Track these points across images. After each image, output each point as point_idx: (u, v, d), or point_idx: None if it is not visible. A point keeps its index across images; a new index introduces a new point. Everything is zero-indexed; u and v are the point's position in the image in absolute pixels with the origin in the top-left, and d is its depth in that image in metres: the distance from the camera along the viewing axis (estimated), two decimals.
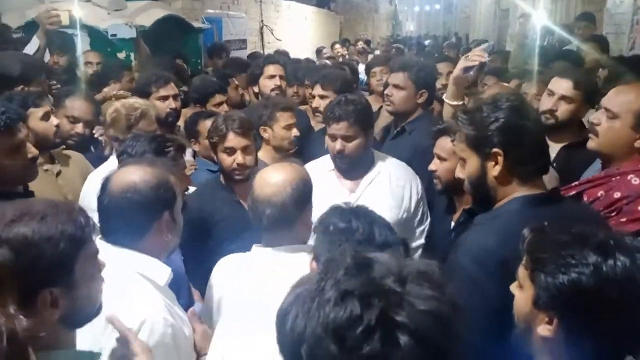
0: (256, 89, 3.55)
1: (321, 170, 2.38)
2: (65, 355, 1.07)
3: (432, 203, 2.40)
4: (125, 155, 1.95)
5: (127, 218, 1.41)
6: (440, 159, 2.11)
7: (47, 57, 3.55)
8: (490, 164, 1.48)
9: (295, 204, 1.58)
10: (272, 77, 3.42)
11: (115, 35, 4.03)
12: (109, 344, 1.27)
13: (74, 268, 1.06)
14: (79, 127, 2.66)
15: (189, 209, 2.30)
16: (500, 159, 1.46)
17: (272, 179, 1.62)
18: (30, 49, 3.25)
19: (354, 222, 1.31)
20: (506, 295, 1.18)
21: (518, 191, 1.48)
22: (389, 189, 2.28)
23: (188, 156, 2.99)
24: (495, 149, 1.46)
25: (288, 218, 1.59)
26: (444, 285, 0.77)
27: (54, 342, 1.05)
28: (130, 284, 1.39)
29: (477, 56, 2.35)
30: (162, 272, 1.47)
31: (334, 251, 1.26)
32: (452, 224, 2.13)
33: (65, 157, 2.47)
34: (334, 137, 2.28)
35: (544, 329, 1.07)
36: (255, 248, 1.67)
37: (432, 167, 2.13)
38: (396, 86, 2.78)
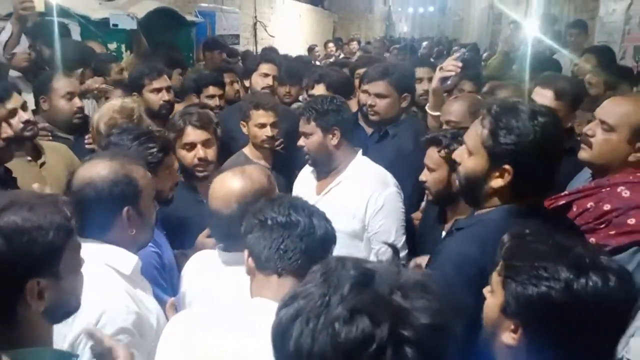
0: (247, 84, 3.53)
1: (307, 170, 2.46)
2: (43, 353, 1.05)
3: (424, 211, 2.35)
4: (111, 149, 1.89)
5: (87, 214, 1.41)
6: (430, 169, 2.08)
7: (24, 43, 3.39)
8: (495, 174, 1.42)
9: (243, 218, 1.55)
10: (266, 75, 3.41)
11: (116, 25, 3.98)
12: (72, 336, 1.29)
13: (60, 259, 1.06)
14: (77, 102, 2.69)
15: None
16: (507, 176, 1.41)
17: (221, 191, 1.61)
18: (4, 36, 3.16)
19: (293, 215, 1.28)
20: (482, 304, 1.19)
21: (507, 202, 1.45)
22: (346, 196, 2.24)
23: None
24: (506, 166, 1.40)
25: (237, 231, 1.55)
26: (440, 294, 0.78)
27: (33, 338, 1.04)
28: (94, 274, 1.36)
29: (452, 66, 2.40)
30: (128, 261, 1.47)
31: (275, 247, 1.25)
32: (444, 233, 2.09)
33: (49, 148, 2.44)
34: (302, 134, 2.35)
35: (508, 337, 1.08)
36: (217, 249, 1.67)
37: (422, 177, 2.11)
38: (378, 95, 2.74)
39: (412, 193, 2.45)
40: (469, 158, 1.50)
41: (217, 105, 3.28)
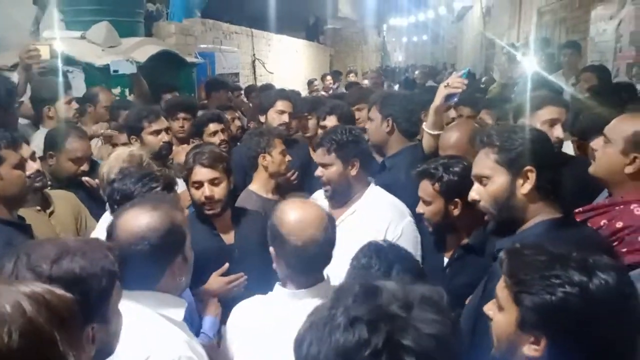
0: (262, 119, 3.57)
1: (319, 196, 2.45)
2: None
3: (421, 240, 2.30)
4: (116, 195, 1.89)
5: (139, 268, 1.37)
6: (425, 202, 2.06)
7: (28, 92, 3.49)
8: (519, 182, 1.53)
9: (330, 246, 1.56)
10: (282, 112, 3.43)
11: (117, 71, 4.08)
12: None
13: (109, 303, 1.08)
14: (85, 166, 2.70)
15: None
16: (532, 176, 1.52)
17: (310, 218, 1.54)
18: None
19: (374, 259, 1.39)
20: None
21: (542, 213, 1.54)
22: (363, 225, 2.21)
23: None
24: (527, 167, 1.52)
25: (328, 257, 1.56)
26: (445, 309, 0.83)
27: None
28: (152, 325, 1.38)
29: (458, 83, 2.40)
30: (179, 308, 1.47)
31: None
32: (445, 260, 2.09)
33: (57, 197, 2.46)
34: (319, 164, 2.36)
35: (530, 349, 1.09)
36: (279, 289, 1.60)
37: (419, 209, 2.10)
38: (369, 119, 2.82)
39: None
40: (488, 185, 1.58)
41: (222, 140, 3.34)
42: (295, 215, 1.55)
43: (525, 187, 1.53)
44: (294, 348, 0.86)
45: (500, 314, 1.15)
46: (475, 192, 1.62)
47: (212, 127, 3.37)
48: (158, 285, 1.44)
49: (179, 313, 1.46)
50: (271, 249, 1.58)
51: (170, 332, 1.39)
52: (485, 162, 1.58)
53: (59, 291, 0.79)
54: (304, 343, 0.83)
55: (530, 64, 5.61)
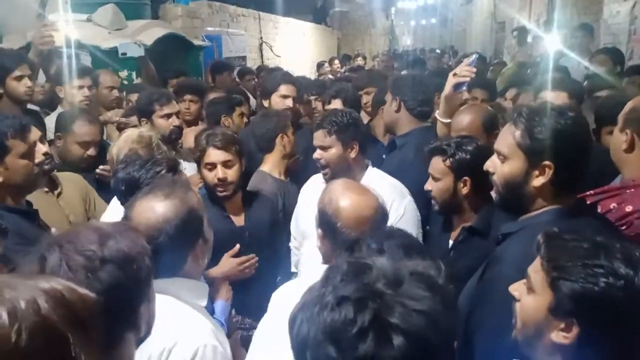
0: (266, 103, 3.55)
1: (317, 182, 2.46)
2: None
3: (428, 221, 2.31)
4: (121, 186, 1.86)
5: (161, 259, 1.34)
6: (435, 179, 2.05)
7: (41, 77, 3.49)
8: (535, 173, 1.43)
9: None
10: (286, 97, 3.39)
11: (125, 54, 4.06)
12: None
13: (152, 283, 1.07)
14: (92, 151, 2.69)
15: None
16: (549, 172, 1.41)
17: (368, 213, 1.52)
18: None
19: (385, 244, 1.29)
20: None
21: (551, 204, 1.45)
22: None
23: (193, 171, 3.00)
24: (546, 162, 1.41)
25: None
26: (438, 284, 0.81)
27: None
28: (178, 312, 1.37)
29: (466, 71, 2.38)
30: (202, 294, 1.47)
31: None
32: (450, 242, 2.07)
33: (64, 178, 2.46)
34: (317, 147, 2.37)
35: (558, 336, 1.07)
36: (324, 268, 1.59)
37: (427, 186, 2.08)
38: (385, 100, 2.85)
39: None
40: (504, 164, 1.50)
41: (245, 123, 3.48)
42: (354, 208, 1.51)
43: (538, 180, 1.43)
44: (288, 328, 0.85)
45: (530, 296, 1.13)
46: (491, 164, 1.55)
47: (239, 109, 3.45)
48: (182, 271, 1.42)
49: (202, 299, 1.45)
50: (319, 230, 1.56)
51: (196, 320, 1.39)
52: (506, 140, 1.48)
53: (83, 290, 0.75)
54: (295, 322, 0.82)
55: (548, 45, 5.52)
